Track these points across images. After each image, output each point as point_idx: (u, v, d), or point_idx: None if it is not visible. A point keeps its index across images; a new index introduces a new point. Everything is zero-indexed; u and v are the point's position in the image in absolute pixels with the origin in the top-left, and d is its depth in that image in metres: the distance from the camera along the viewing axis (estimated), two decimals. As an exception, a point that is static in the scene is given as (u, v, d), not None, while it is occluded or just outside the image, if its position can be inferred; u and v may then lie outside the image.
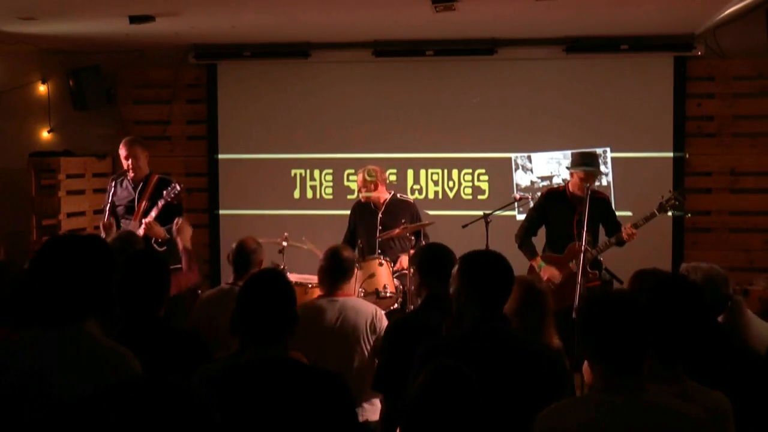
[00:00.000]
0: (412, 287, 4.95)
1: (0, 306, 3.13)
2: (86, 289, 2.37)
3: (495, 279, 3.02)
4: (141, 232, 5.67)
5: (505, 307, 3.72)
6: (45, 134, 8.30)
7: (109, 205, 5.90)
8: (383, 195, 6.55)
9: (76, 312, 2.36)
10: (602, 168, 7.48)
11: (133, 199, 5.96)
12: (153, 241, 5.80)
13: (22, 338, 2.51)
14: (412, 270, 4.70)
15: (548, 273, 5.75)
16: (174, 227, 5.46)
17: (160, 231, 5.73)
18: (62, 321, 2.35)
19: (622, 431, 2.24)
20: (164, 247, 5.77)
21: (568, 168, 6.15)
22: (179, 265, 5.56)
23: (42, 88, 8.25)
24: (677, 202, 5.80)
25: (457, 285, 3.08)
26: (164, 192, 5.77)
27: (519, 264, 6.13)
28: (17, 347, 2.41)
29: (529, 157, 7.68)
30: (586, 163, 5.91)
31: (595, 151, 6.23)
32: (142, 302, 3.18)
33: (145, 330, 3.14)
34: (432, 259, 3.87)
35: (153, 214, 5.74)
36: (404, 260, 6.11)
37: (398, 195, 6.67)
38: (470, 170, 7.76)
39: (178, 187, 5.77)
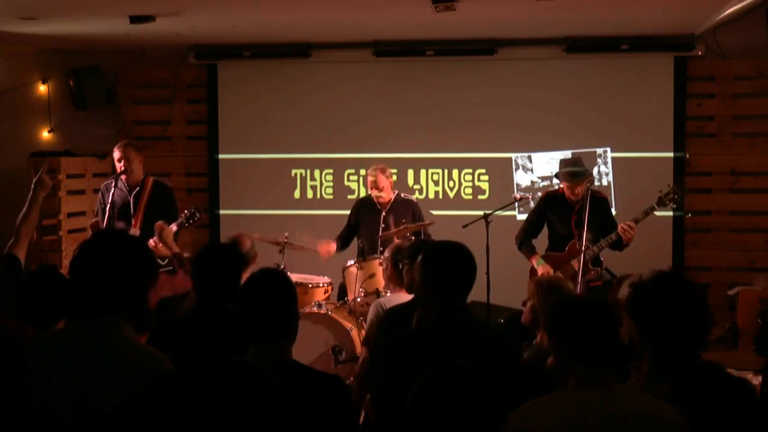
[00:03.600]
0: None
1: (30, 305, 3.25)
2: (123, 285, 2.45)
3: (456, 270, 3.08)
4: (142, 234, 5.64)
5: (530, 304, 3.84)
6: (45, 134, 8.30)
7: (108, 206, 5.81)
8: (389, 194, 6.55)
9: (110, 307, 2.43)
10: (602, 168, 7.49)
11: (128, 203, 5.89)
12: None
13: (57, 335, 2.59)
14: (386, 265, 4.74)
15: (544, 269, 5.76)
16: (156, 231, 5.45)
17: (165, 250, 5.52)
18: (97, 314, 2.43)
19: (595, 427, 2.26)
20: (165, 261, 5.59)
21: (557, 177, 6.08)
22: (170, 267, 5.57)
23: (42, 88, 8.25)
24: (676, 196, 5.77)
25: (419, 277, 3.17)
26: (183, 213, 5.64)
27: (522, 263, 6.14)
28: (53, 344, 2.49)
29: (529, 157, 7.68)
30: (569, 173, 5.81)
31: (579, 156, 6.15)
32: (215, 292, 3.30)
33: (214, 317, 3.24)
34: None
35: (173, 228, 5.55)
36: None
37: (402, 194, 6.67)
38: (470, 170, 7.76)
39: (197, 216, 5.66)
